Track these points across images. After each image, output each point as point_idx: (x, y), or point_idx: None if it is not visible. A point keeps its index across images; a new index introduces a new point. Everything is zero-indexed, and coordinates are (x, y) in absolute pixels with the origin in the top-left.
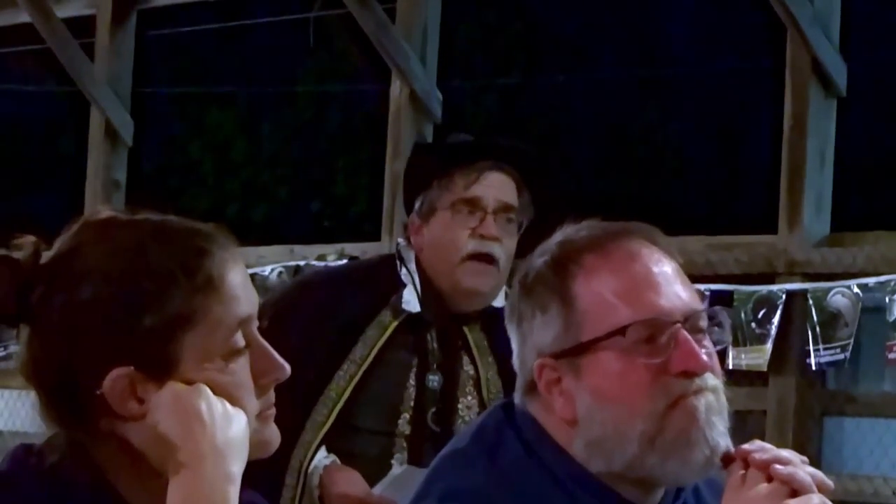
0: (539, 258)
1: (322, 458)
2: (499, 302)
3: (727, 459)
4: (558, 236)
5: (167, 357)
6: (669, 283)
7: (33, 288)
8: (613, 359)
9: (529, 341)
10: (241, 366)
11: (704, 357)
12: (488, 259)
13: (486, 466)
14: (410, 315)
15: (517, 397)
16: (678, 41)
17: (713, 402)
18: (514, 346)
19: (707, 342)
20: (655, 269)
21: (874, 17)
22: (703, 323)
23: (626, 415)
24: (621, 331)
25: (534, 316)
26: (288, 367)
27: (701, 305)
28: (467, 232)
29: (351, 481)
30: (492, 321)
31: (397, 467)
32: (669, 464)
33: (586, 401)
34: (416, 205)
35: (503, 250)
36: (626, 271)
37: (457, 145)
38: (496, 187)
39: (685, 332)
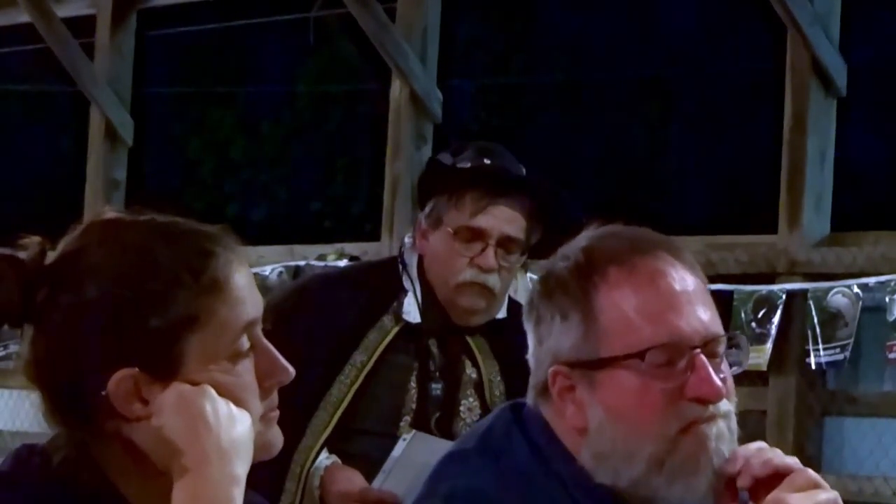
0: (562, 262)
1: (323, 458)
2: (500, 314)
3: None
4: (582, 241)
5: (172, 358)
6: (691, 304)
7: (38, 288)
8: (629, 378)
9: (546, 344)
10: (246, 368)
11: (719, 384)
12: (483, 287)
13: (493, 467)
14: (410, 323)
15: (530, 397)
16: (678, 41)
17: (724, 430)
18: (531, 344)
19: (724, 366)
20: (678, 289)
21: (874, 17)
22: (722, 348)
23: (636, 434)
24: (640, 354)
25: (552, 320)
26: (292, 370)
27: (720, 329)
28: (466, 260)
29: (350, 479)
30: (493, 328)
31: (403, 439)
32: (674, 487)
33: (598, 414)
34: (427, 208)
35: (499, 280)
36: (650, 290)
37: (473, 171)
38: (503, 220)
39: (703, 358)
